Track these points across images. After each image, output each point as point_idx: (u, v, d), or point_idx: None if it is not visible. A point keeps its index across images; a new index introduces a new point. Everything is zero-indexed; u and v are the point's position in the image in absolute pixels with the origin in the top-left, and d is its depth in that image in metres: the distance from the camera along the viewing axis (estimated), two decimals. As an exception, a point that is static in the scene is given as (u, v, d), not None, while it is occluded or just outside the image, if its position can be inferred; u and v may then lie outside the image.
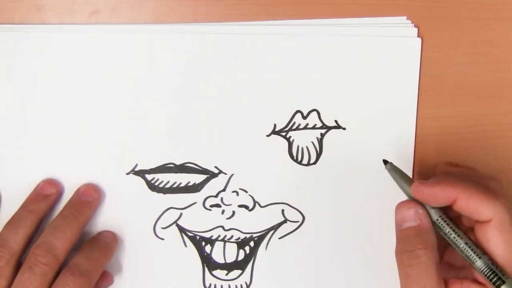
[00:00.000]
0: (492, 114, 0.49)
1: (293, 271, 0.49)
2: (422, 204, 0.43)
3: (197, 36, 0.46)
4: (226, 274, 0.48)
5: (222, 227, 0.48)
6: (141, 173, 0.47)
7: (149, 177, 0.47)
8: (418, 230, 0.42)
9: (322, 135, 0.48)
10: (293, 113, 0.47)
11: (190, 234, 0.48)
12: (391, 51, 0.47)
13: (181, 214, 0.48)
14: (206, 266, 0.48)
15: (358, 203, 0.48)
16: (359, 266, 0.49)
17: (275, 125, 0.47)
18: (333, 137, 0.48)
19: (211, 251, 0.48)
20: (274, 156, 0.48)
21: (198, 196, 0.48)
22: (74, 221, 0.45)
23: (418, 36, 0.47)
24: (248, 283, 0.49)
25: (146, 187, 0.47)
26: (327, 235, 0.48)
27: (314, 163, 0.48)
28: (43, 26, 0.46)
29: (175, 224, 0.48)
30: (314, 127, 0.48)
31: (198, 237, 0.48)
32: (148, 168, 0.47)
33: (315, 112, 0.47)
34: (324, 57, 0.47)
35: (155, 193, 0.48)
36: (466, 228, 0.43)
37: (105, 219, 0.48)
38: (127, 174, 0.47)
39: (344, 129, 0.48)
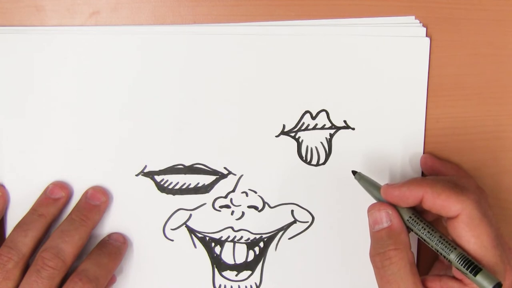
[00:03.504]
0: (492, 115, 0.49)
1: (303, 272, 0.49)
2: (394, 206, 0.43)
3: (206, 37, 0.46)
4: (236, 275, 0.48)
5: (232, 228, 0.48)
6: (150, 175, 0.47)
7: (158, 178, 0.47)
8: (389, 231, 0.42)
9: (331, 135, 0.48)
10: (302, 114, 0.47)
11: (199, 235, 0.48)
12: (399, 51, 0.47)
13: (190, 215, 0.48)
14: (216, 267, 0.48)
15: (367, 202, 0.48)
16: (369, 266, 0.48)
17: (284, 126, 0.47)
18: (342, 137, 0.48)
19: (220, 252, 0.48)
20: (283, 156, 0.48)
21: (207, 197, 0.48)
22: (82, 225, 0.45)
23: (426, 35, 0.47)
24: (258, 283, 0.49)
25: (155, 188, 0.47)
26: (336, 235, 0.48)
27: (323, 163, 0.48)
28: (50, 28, 0.46)
29: (184, 225, 0.48)
30: (323, 128, 0.48)
31: (207, 238, 0.48)
32: (157, 169, 0.47)
33: (324, 113, 0.47)
34: (333, 57, 0.47)
35: (164, 194, 0.47)
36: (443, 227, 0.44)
37: (114, 221, 0.48)
38: (136, 175, 0.47)
39: (353, 129, 0.48)
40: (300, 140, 0.48)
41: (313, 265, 0.49)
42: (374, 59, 0.47)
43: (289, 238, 0.48)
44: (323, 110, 0.47)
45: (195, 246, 0.48)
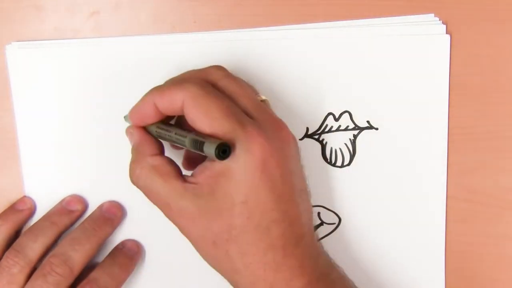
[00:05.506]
0: (492, 115, 0.49)
1: (332, 274, 0.49)
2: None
3: (226, 42, 0.46)
4: (265, 279, 0.48)
5: (259, 232, 0.48)
6: (174, 182, 0.47)
7: (183, 186, 0.47)
8: (133, 149, 0.42)
9: (355, 136, 0.48)
10: (325, 116, 0.47)
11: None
12: (419, 49, 0.47)
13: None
14: (245, 272, 0.48)
15: (394, 202, 0.48)
16: (398, 267, 0.49)
17: (307, 129, 0.47)
18: (366, 138, 0.48)
19: (248, 257, 0.48)
20: (308, 159, 0.47)
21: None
22: (94, 235, 0.45)
23: (446, 33, 0.47)
24: (287, 287, 0.49)
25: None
26: (364, 236, 0.48)
27: (348, 164, 0.48)
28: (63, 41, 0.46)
29: (211, 231, 0.48)
30: (346, 129, 0.48)
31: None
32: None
33: (347, 114, 0.47)
34: (353, 59, 0.47)
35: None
36: None
37: (140, 229, 0.48)
38: (162, 184, 0.47)
39: (377, 129, 0.48)
40: (324, 142, 0.48)
41: (341, 267, 0.48)
42: (395, 58, 0.47)
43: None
44: (346, 111, 0.47)
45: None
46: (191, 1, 0.47)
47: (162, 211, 0.41)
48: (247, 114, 0.40)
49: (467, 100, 0.48)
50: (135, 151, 0.42)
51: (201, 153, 0.38)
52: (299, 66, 0.47)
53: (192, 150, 0.39)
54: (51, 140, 0.47)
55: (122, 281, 0.46)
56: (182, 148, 0.45)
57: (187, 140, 0.39)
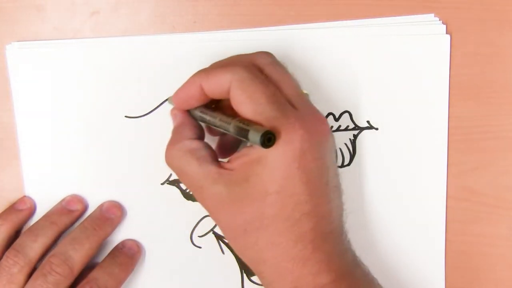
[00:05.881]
0: (492, 115, 0.49)
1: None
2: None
3: (226, 42, 0.46)
4: (265, 280, 0.48)
5: (259, 232, 0.48)
6: (175, 183, 0.47)
7: (183, 186, 0.47)
8: (174, 129, 0.43)
9: (355, 136, 0.48)
10: (325, 116, 0.47)
11: (227, 241, 0.48)
12: (419, 49, 0.47)
13: (217, 221, 0.48)
14: (245, 272, 0.48)
15: (394, 202, 0.48)
16: (398, 266, 0.49)
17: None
18: (366, 138, 0.48)
19: (249, 257, 0.48)
20: (308, 159, 0.48)
21: (233, 203, 0.48)
22: (94, 235, 0.45)
23: (446, 33, 0.47)
24: (287, 287, 0.49)
25: (181, 196, 0.47)
26: (363, 236, 0.48)
27: (348, 164, 0.48)
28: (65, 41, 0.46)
29: (211, 231, 0.48)
30: (346, 129, 0.48)
31: (235, 243, 0.48)
32: (182, 177, 0.47)
33: (347, 114, 0.47)
34: (353, 59, 0.47)
35: (190, 201, 0.47)
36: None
37: (140, 229, 0.48)
38: (162, 184, 0.47)
39: (377, 129, 0.48)
40: (324, 142, 0.48)
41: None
42: (395, 58, 0.47)
43: (316, 241, 0.48)
44: (346, 111, 0.47)
45: (223, 252, 0.48)
46: (191, 1, 0.47)
47: (194, 194, 0.41)
48: (290, 103, 0.40)
49: (467, 100, 0.48)
50: (175, 132, 0.42)
51: (244, 139, 0.38)
52: (299, 66, 0.47)
53: (235, 136, 0.39)
54: (51, 140, 0.47)
55: (122, 280, 0.46)
56: (217, 135, 0.45)
57: (231, 126, 0.39)
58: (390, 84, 0.47)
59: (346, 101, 0.47)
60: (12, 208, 0.46)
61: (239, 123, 0.38)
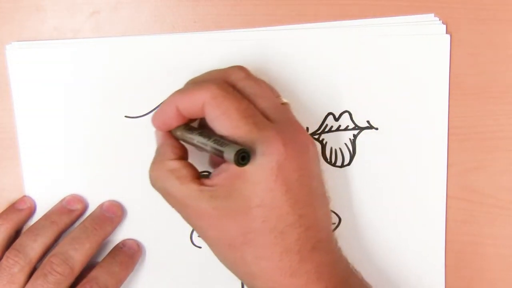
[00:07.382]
0: (492, 115, 0.49)
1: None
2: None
3: (226, 42, 0.46)
4: (265, 279, 0.48)
5: (259, 232, 0.48)
6: (176, 183, 0.47)
7: (183, 186, 0.47)
8: (157, 148, 0.43)
9: (355, 136, 0.48)
10: (325, 116, 0.47)
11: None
12: (419, 49, 0.47)
13: (217, 221, 0.48)
14: (245, 272, 0.48)
15: (394, 202, 0.48)
16: (398, 266, 0.49)
17: (307, 129, 0.47)
18: (366, 138, 0.48)
19: (249, 257, 0.48)
20: (308, 159, 0.48)
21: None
22: (94, 234, 0.45)
23: (446, 33, 0.47)
24: (287, 287, 0.49)
25: (181, 196, 0.47)
26: (364, 236, 0.48)
27: (348, 164, 0.48)
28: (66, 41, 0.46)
29: (211, 231, 0.48)
30: (346, 129, 0.48)
31: (235, 243, 0.48)
32: (182, 177, 0.47)
33: (347, 114, 0.47)
34: (353, 58, 0.47)
35: (190, 201, 0.47)
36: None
37: (140, 229, 0.48)
38: (162, 184, 0.47)
39: (377, 129, 0.48)
40: (324, 142, 0.48)
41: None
42: (395, 58, 0.47)
43: (316, 241, 0.48)
44: (346, 111, 0.47)
45: (223, 252, 0.48)
46: (191, 1, 0.47)
47: (180, 213, 0.41)
48: (266, 116, 0.40)
49: (467, 100, 0.48)
50: (157, 153, 0.43)
51: (219, 156, 0.38)
52: (299, 66, 0.47)
53: (213, 154, 0.39)
54: (51, 140, 0.47)
55: (122, 280, 0.46)
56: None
57: (208, 147, 0.40)
58: (390, 84, 0.47)
59: (346, 101, 0.47)
60: (12, 208, 0.46)
61: (214, 144, 0.39)
